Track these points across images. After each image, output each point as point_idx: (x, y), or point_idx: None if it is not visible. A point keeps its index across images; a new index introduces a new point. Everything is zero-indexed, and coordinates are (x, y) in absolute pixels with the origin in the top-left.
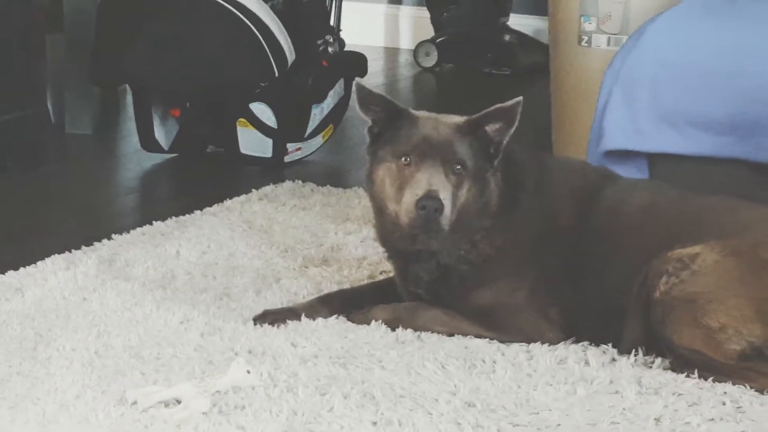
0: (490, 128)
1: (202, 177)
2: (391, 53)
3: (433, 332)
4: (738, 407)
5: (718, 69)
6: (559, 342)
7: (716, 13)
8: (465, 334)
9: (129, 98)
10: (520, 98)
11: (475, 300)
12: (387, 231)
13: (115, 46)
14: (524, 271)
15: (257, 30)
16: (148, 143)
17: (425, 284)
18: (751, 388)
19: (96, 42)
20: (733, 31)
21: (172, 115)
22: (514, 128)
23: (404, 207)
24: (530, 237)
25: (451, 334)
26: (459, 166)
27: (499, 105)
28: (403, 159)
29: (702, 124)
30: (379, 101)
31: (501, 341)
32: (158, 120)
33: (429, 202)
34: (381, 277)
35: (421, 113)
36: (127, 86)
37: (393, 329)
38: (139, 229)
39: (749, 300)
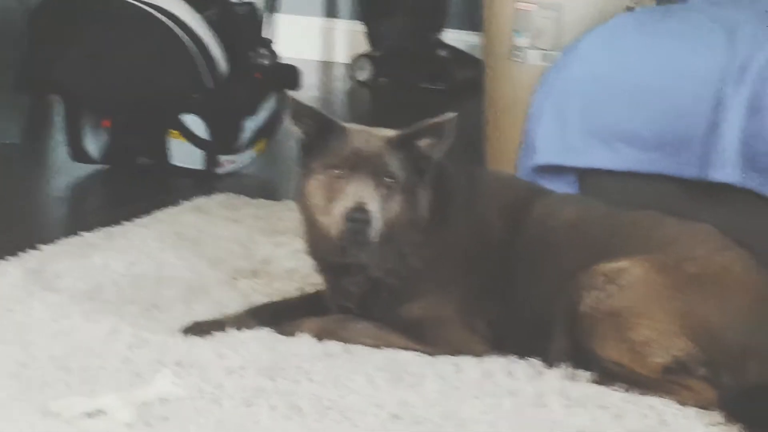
0: (422, 143)
1: (132, 188)
2: (326, 67)
3: (361, 345)
4: (662, 420)
5: (647, 86)
6: (485, 355)
7: (647, 30)
8: (393, 347)
9: (59, 108)
10: (453, 114)
11: (403, 313)
12: (317, 244)
13: (46, 55)
14: (453, 284)
15: (190, 41)
16: (78, 154)
17: (355, 297)
18: (675, 401)
19: (26, 50)
20: (663, 49)
21: (103, 125)
22: (446, 144)
23: (333, 219)
24: (460, 251)
25: (379, 347)
26: (389, 179)
27: (431, 120)
28: (333, 171)
29: (631, 140)
30: (309, 113)
31: (429, 354)
32: (88, 130)
33: (358, 215)
34: (311, 290)
35: (353, 126)
36: (57, 95)
37: (321, 341)
38: (67, 239)
39: (674, 314)
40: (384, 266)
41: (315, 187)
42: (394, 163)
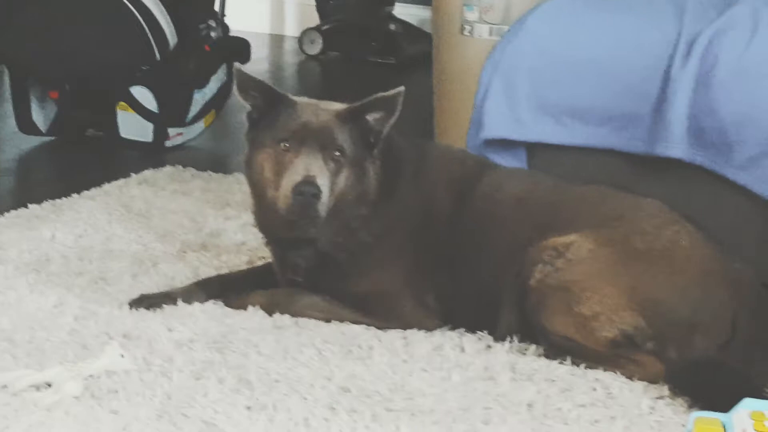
0: (371, 117)
1: (80, 160)
2: (277, 40)
3: (310, 318)
4: (608, 393)
5: (596, 61)
6: (436, 329)
7: (596, 5)
8: (342, 321)
9: (6, 79)
10: (402, 88)
11: (353, 287)
12: (265, 217)
13: None
14: (402, 258)
15: (138, 12)
16: (26, 125)
17: (303, 271)
18: (622, 374)
19: None
20: (612, 24)
21: (51, 97)
22: (394, 118)
23: (282, 192)
24: (408, 225)
25: (328, 321)
26: (338, 153)
27: (380, 94)
28: (281, 145)
29: (579, 114)
30: (257, 86)
31: (378, 328)
32: (36, 102)
33: (306, 188)
34: (260, 263)
35: (301, 99)
36: (4, 67)
37: (270, 315)
38: (14, 212)
39: (621, 289)
40: (332, 240)
41: (263, 160)
42: (343, 137)
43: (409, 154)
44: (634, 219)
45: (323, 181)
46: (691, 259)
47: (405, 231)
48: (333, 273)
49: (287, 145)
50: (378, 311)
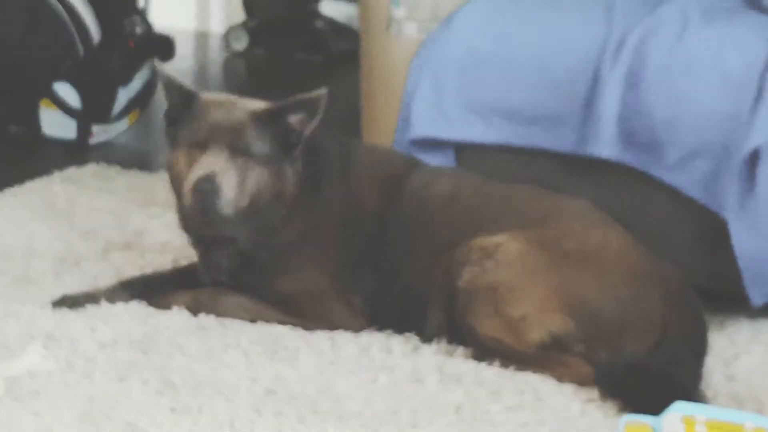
0: (292, 118)
1: (2, 157)
2: (202, 37)
3: (235, 318)
4: (538, 396)
5: (524, 59)
6: (362, 330)
7: (524, 3)
8: (268, 321)
9: None
10: (324, 90)
11: (277, 287)
12: (184, 216)
13: None
14: (327, 258)
15: (61, 7)
16: None
17: (227, 271)
18: (551, 377)
19: None
20: (540, 22)
21: None
22: (317, 120)
23: (185, 190)
24: (333, 224)
25: (254, 321)
26: (248, 152)
27: (302, 95)
28: (191, 143)
29: (507, 114)
30: (170, 85)
31: (304, 328)
32: None
33: (204, 185)
34: (185, 263)
35: (217, 98)
36: None
37: (195, 315)
38: None
39: (550, 290)
40: (252, 239)
41: (177, 159)
42: (256, 136)
43: (334, 153)
44: (563, 219)
45: (226, 180)
46: (620, 261)
47: (330, 230)
48: (256, 272)
49: (196, 143)
50: (303, 311)
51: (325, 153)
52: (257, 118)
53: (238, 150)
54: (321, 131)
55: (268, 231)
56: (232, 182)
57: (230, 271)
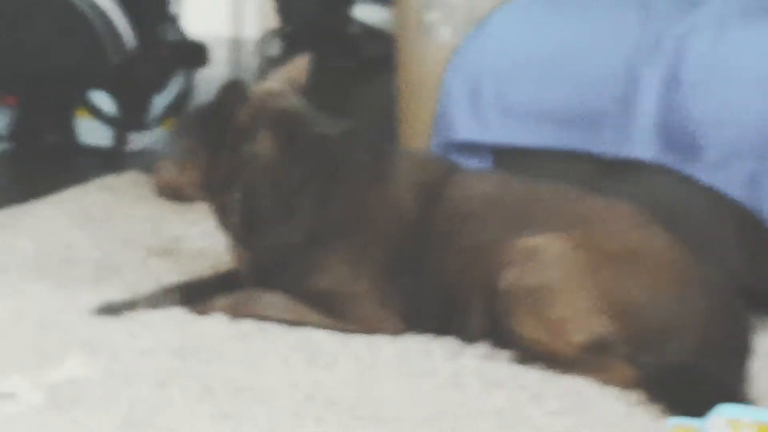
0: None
1: (39, 167)
2: (235, 43)
3: (273, 319)
4: (580, 400)
5: (559, 61)
6: (399, 331)
7: (560, 4)
8: (306, 321)
9: None
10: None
11: (312, 285)
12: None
13: None
14: (364, 261)
15: (95, 15)
16: None
17: (265, 271)
18: (594, 380)
19: None
20: (576, 24)
21: (8, 103)
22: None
23: None
24: (371, 227)
25: (292, 322)
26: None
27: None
28: None
29: (544, 116)
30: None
31: (342, 331)
32: None
33: None
34: (223, 269)
35: None
36: None
37: (235, 320)
38: None
39: (594, 292)
40: (281, 240)
41: None
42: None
43: (364, 158)
44: (605, 221)
45: None
46: (663, 263)
47: (367, 232)
48: (295, 273)
49: None
50: (340, 312)
51: (355, 160)
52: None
53: None
54: (352, 140)
55: (300, 230)
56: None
57: (267, 271)
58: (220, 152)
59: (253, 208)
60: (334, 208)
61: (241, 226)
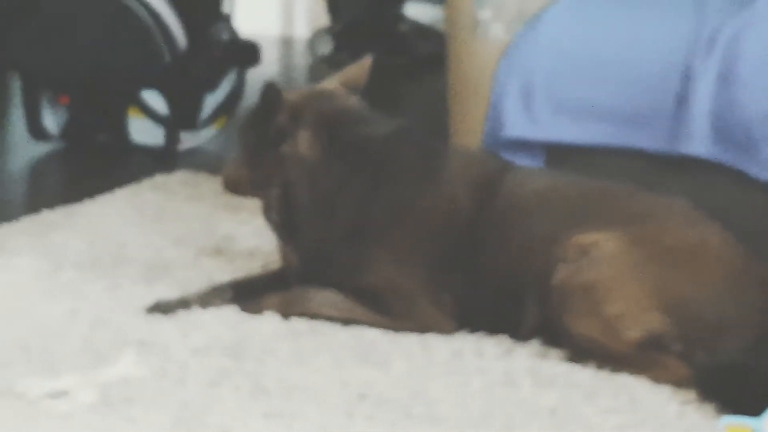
0: None
1: (92, 166)
2: (287, 42)
3: (325, 317)
4: (634, 398)
5: (613, 58)
6: (451, 330)
7: (612, 1)
8: (357, 319)
9: (17, 85)
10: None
11: (364, 283)
12: None
13: (1, 30)
14: (416, 256)
15: (147, 15)
16: (37, 131)
17: (312, 268)
18: (648, 378)
19: None
20: (630, 20)
21: (61, 102)
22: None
23: None
24: (422, 224)
25: (343, 320)
26: None
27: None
28: None
29: (597, 113)
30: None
31: (393, 328)
32: (47, 107)
33: None
34: (274, 267)
35: None
36: (14, 72)
37: (286, 317)
38: (26, 218)
39: (648, 288)
40: (328, 235)
41: None
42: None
43: (415, 157)
44: (660, 217)
45: None
46: (719, 259)
47: (419, 229)
48: (344, 269)
49: None
50: (392, 309)
51: (398, 157)
52: None
53: None
54: (400, 139)
55: (347, 226)
56: None
57: (318, 267)
58: (263, 152)
59: (292, 206)
60: (379, 205)
61: (282, 223)
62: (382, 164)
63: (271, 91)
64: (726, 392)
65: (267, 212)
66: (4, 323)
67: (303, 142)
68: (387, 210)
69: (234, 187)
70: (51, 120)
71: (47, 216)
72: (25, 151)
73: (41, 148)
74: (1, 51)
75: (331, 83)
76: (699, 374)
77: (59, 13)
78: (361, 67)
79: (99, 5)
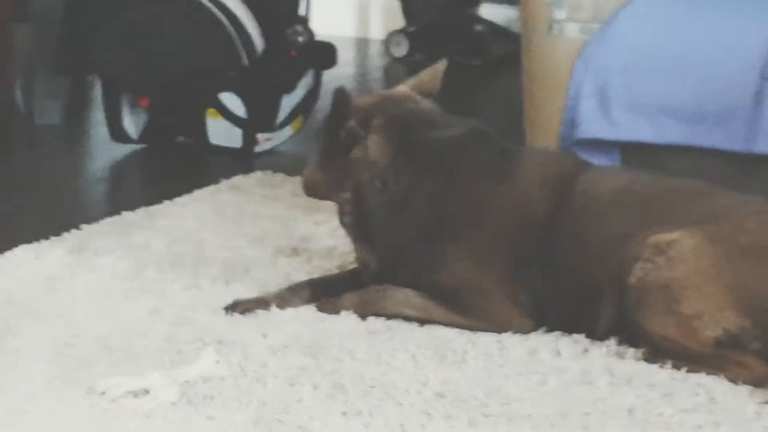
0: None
1: (171, 167)
2: (362, 43)
3: (401, 316)
4: (712, 397)
5: (689, 57)
6: (528, 328)
7: (687, 0)
8: (434, 318)
9: (97, 88)
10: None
11: (439, 282)
12: None
13: (83, 36)
14: (493, 255)
15: (225, 19)
16: (117, 133)
17: (387, 268)
18: (725, 377)
19: (63, 32)
20: (706, 19)
21: (141, 105)
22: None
23: None
24: (498, 223)
25: (420, 319)
26: None
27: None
28: None
29: (673, 112)
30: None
31: (470, 327)
32: (127, 110)
33: None
34: (351, 267)
35: None
36: (96, 76)
37: (363, 317)
38: (107, 219)
39: (725, 287)
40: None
41: None
42: None
43: (489, 158)
44: (737, 216)
45: None
46: None
47: (495, 228)
48: (421, 267)
49: None
50: (469, 308)
51: (470, 158)
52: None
53: None
54: (468, 139)
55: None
56: None
57: (383, 267)
58: (336, 156)
59: (364, 209)
60: (455, 205)
61: (356, 225)
62: (455, 165)
63: (341, 97)
64: None
65: (341, 215)
66: (87, 323)
67: (373, 146)
68: (463, 210)
69: (311, 190)
70: (131, 123)
71: (128, 217)
72: (106, 153)
73: (122, 150)
74: (84, 55)
75: (405, 88)
76: None
77: (140, 19)
78: (434, 72)
79: (178, 10)
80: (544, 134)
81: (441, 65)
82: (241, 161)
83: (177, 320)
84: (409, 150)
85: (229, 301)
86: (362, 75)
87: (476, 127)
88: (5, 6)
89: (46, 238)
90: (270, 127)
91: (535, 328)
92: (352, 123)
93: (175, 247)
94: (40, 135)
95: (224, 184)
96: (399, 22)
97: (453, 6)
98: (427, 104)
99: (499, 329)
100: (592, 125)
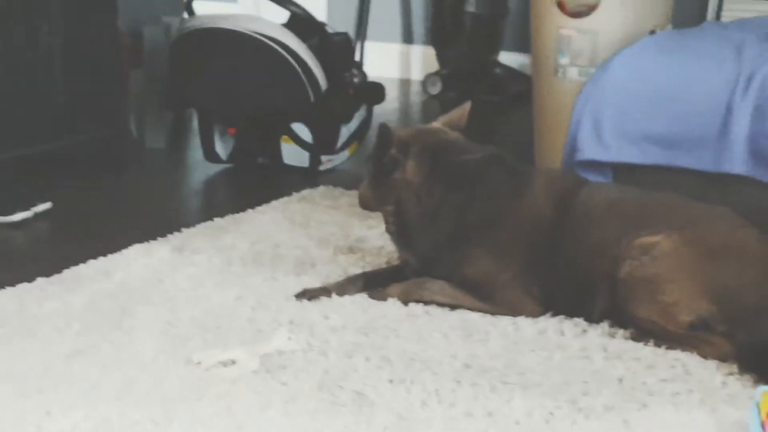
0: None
1: (253, 183)
2: (404, 83)
3: (436, 303)
4: (686, 370)
5: (668, 95)
6: (538, 313)
7: (666, 50)
8: (462, 304)
9: (195, 119)
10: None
11: (466, 276)
12: None
13: (184, 79)
14: (509, 255)
15: (296, 64)
16: (210, 155)
17: (425, 265)
18: (697, 354)
19: (169, 76)
20: (681, 64)
21: (229, 132)
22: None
23: None
24: (513, 228)
25: (451, 304)
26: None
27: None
28: None
29: (655, 139)
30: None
31: (491, 312)
32: (218, 137)
33: None
34: (396, 263)
35: None
36: (194, 110)
37: (405, 303)
38: (202, 224)
39: (698, 280)
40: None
41: None
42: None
43: (504, 176)
44: (708, 222)
45: None
46: (758, 256)
47: (510, 234)
48: (446, 265)
49: None
50: (492, 297)
51: (488, 177)
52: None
53: None
54: (487, 161)
55: (429, 241)
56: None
57: (422, 265)
58: (381, 178)
59: (404, 220)
60: (477, 215)
61: (398, 233)
62: (476, 182)
63: (384, 130)
64: (763, 365)
65: (386, 224)
66: (186, 307)
67: (410, 170)
68: (483, 219)
69: (364, 204)
70: (221, 147)
71: (218, 222)
72: (201, 171)
73: (214, 169)
74: (185, 94)
75: (437, 123)
76: (740, 351)
77: (229, 64)
78: (462, 110)
79: (259, 57)
80: (550, 157)
81: (467, 105)
82: (308, 178)
83: (257, 305)
84: (439, 172)
85: (298, 290)
86: (404, 109)
87: (494, 152)
88: (124, 55)
89: (154, 239)
90: (331, 150)
91: (543, 313)
92: (393, 151)
93: (256, 247)
94: (149, 157)
95: (295, 196)
96: (434, 65)
97: (478, 53)
98: (454, 135)
99: (515, 314)
100: (589, 150)
